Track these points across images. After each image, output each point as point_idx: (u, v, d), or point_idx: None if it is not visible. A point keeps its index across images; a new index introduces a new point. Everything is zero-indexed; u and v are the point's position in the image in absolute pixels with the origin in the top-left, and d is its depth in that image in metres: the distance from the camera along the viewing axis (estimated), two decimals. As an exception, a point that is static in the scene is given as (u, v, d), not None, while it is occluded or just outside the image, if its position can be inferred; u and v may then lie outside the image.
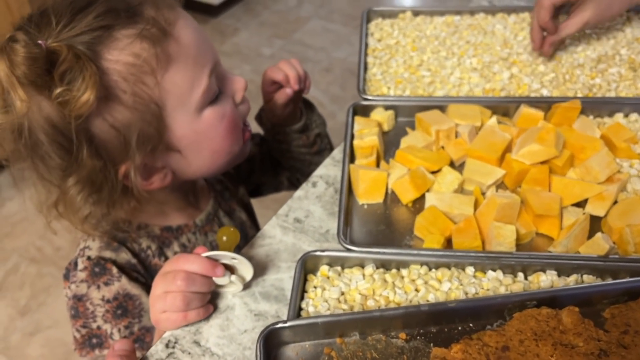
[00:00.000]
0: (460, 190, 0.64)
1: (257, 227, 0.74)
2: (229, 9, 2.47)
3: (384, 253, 0.56)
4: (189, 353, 0.53)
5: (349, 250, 0.57)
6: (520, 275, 0.55)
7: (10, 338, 1.43)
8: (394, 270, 0.56)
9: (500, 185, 0.65)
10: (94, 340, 0.55)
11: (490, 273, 0.55)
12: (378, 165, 0.67)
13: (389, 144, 0.71)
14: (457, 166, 0.67)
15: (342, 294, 0.55)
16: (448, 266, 0.56)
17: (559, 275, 0.54)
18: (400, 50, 0.83)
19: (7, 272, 1.54)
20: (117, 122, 0.45)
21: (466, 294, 0.53)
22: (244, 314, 0.56)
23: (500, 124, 0.69)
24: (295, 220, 0.64)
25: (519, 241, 0.58)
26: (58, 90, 0.41)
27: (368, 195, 0.64)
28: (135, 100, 0.45)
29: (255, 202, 0.80)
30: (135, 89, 0.44)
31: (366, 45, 0.83)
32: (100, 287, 0.54)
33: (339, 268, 0.57)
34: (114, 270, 0.54)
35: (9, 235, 1.63)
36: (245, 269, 0.54)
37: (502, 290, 0.54)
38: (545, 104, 0.70)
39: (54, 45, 0.41)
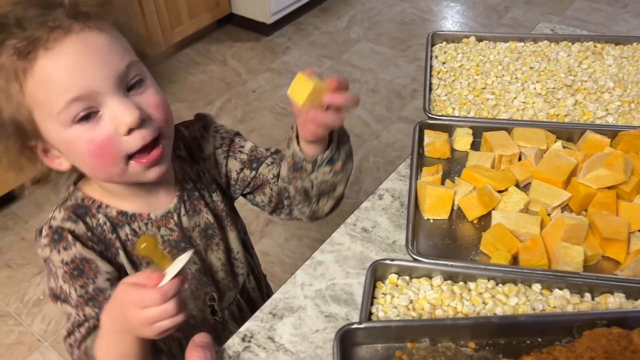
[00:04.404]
0: (525, 210, 0.66)
1: (223, 232, 0.70)
2: (281, 29, 2.56)
3: (452, 265, 0.59)
4: (264, 348, 0.56)
5: (417, 261, 0.60)
6: (587, 295, 0.56)
7: (62, 332, 1.49)
8: (461, 283, 0.58)
9: (564, 207, 0.66)
10: (62, 296, 0.61)
11: (556, 291, 0.57)
12: (443, 182, 0.70)
13: (454, 162, 0.74)
14: (521, 187, 0.69)
15: (411, 302, 0.57)
16: (515, 282, 0.57)
17: (627, 298, 0.55)
18: (465, 73, 0.85)
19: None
20: (3, 106, 0.53)
21: (533, 309, 0.55)
22: (315, 314, 0.59)
23: (565, 149, 0.71)
24: (363, 230, 0.67)
25: (585, 263, 0.59)
26: None
27: (434, 210, 0.66)
28: (9, 98, 0.52)
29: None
30: (7, 90, 0.52)
31: (431, 67, 0.87)
32: (60, 251, 0.60)
33: (407, 277, 0.60)
34: (70, 238, 0.60)
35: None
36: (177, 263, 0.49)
37: (569, 309, 0.55)
38: (610, 132, 0.71)
39: None
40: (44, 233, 0.61)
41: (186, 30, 2.35)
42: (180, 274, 0.48)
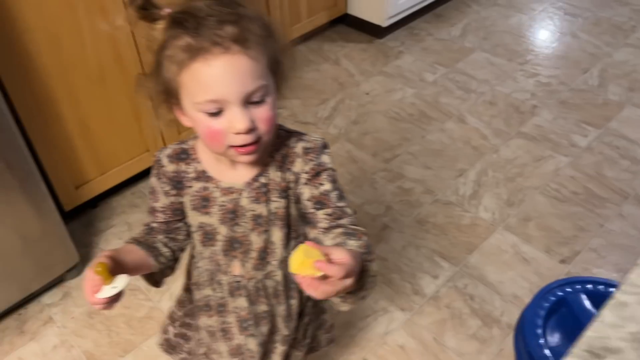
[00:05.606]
0: None
1: (269, 228, 0.80)
2: (393, 32, 2.54)
3: None
4: (595, 389, 0.55)
5: None
6: None
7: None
8: None
9: None
10: None
11: None
12: None
13: None
14: None
15: None
16: None
17: None
18: None
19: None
20: (164, 73, 0.68)
21: None
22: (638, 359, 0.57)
23: None
24: (659, 272, 0.65)
25: None
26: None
27: None
28: (169, 70, 0.67)
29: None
30: (170, 65, 0.66)
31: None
32: (153, 173, 0.81)
33: None
34: (155, 170, 0.81)
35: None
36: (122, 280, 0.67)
37: None
38: None
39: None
40: (156, 152, 0.81)
41: (303, 28, 2.36)
42: (116, 294, 0.65)
